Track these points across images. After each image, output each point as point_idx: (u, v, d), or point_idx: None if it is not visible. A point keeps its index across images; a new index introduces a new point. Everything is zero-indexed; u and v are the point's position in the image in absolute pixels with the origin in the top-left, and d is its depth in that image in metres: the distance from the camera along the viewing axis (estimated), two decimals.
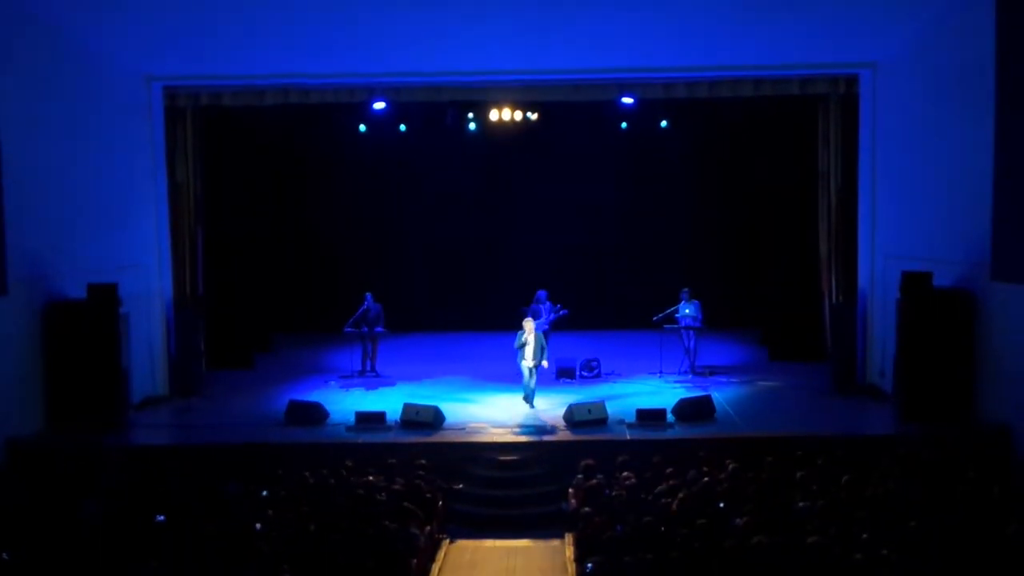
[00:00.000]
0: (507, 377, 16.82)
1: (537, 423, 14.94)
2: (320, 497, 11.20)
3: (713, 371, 17.92)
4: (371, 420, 14.83)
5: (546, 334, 18.27)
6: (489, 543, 12.37)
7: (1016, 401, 13.35)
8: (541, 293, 18.43)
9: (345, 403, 16.08)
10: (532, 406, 15.68)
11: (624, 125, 20.10)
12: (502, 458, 13.91)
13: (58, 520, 10.31)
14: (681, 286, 18.02)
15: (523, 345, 15.56)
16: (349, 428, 14.78)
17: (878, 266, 16.70)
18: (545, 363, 15.83)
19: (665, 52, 15.91)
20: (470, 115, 19.79)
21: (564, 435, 14.40)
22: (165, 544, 9.57)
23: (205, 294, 17.97)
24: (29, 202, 13.87)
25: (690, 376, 17.63)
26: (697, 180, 21.77)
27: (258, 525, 10.03)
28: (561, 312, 18.07)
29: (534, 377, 15.70)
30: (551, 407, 15.68)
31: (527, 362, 15.60)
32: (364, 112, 18.44)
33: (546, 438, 14.32)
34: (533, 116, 19.36)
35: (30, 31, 14.02)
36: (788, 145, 19.34)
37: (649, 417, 14.73)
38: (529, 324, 15.74)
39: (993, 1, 12.88)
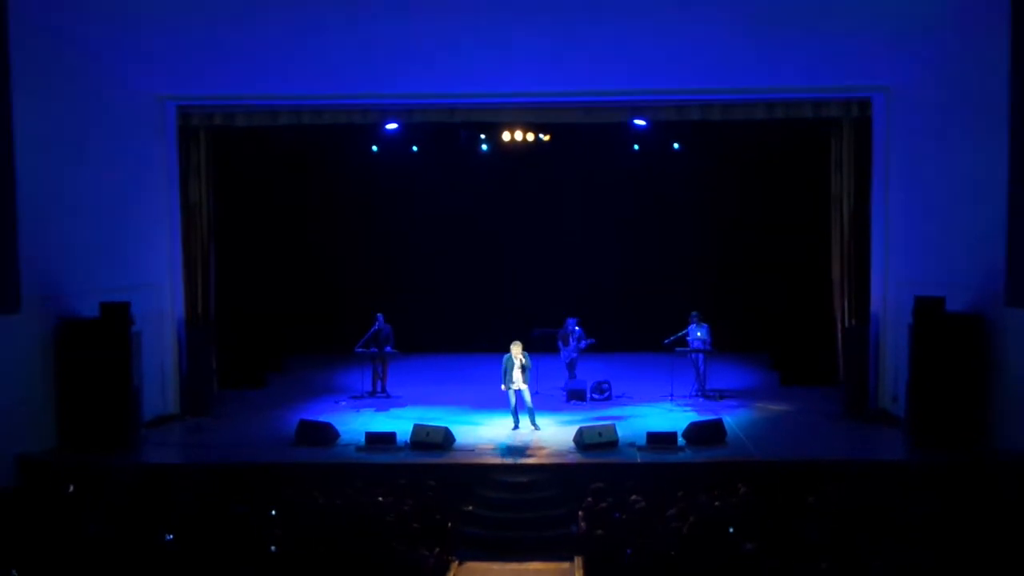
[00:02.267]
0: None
1: (547, 445, 14.89)
2: (330, 518, 11.18)
3: (723, 395, 17.82)
4: (381, 441, 14.84)
5: (574, 361, 18.28)
6: (498, 565, 12.35)
7: None
8: (571, 321, 18.39)
9: (355, 423, 16.06)
10: (536, 427, 15.64)
11: (636, 147, 20.14)
12: (512, 480, 13.87)
13: (67, 538, 10.30)
14: (692, 309, 17.95)
15: (510, 375, 15.58)
16: (359, 448, 14.77)
17: (891, 291, 16.60)
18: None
19: (678, 75, 15.87)
20: (482, 136, 19.88)
21: (574, 457, 14.35)
22: (174, 563, 9.55)
23: (217, 313, 18.01)
24: (43, 220, 13.95)
25: (699, 399, 17.56)
26: (709, 203, 21.70)
27: (273, 548, 10.00)
28: (588, 341, 18.12)
29: (528, 398, 15.65)
30: (561, 429, 15.63)
31: (515, 385, 15.59)
32: (377, 133, 18.50)
33: (556, 460, 14.27)
34: (545, 138, 19.42)
35: (43, 50, 14.07)
36: (801, 168, 19.31)
37: (660, 440, 14.66)
38: (516, 348, 15.69)
39: (1008, 25, 12.86)
